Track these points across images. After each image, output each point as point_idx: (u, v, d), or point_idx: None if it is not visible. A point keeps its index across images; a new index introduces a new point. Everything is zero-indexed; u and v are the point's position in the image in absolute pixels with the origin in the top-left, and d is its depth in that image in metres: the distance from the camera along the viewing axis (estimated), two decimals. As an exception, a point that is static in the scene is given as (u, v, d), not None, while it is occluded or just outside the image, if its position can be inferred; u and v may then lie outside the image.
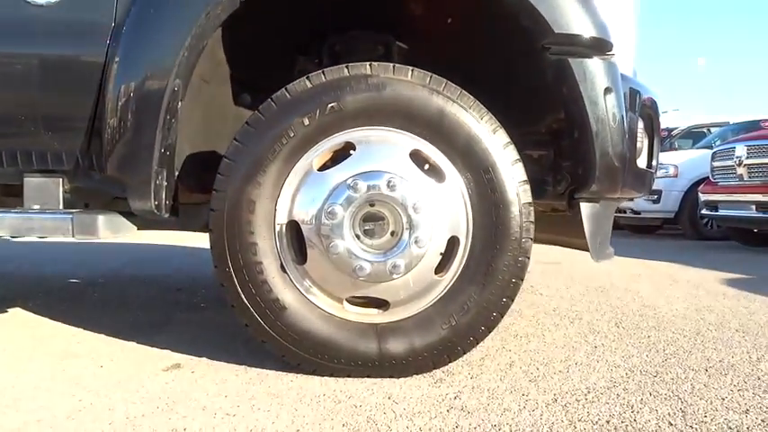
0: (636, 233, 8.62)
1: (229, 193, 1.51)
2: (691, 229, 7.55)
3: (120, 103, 1.51)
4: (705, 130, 10.02)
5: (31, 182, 1.66)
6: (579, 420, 1.28)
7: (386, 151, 1.53)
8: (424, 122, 1.53)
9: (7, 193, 1.82)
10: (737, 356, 1.81)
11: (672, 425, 1.25)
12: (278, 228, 1.53)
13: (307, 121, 1.51)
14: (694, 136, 10.00)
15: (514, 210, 1.54)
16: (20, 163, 1.64)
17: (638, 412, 1.33)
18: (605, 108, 1.59)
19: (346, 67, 1.54)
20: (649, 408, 1.35)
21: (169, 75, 1.50)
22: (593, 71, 1.58)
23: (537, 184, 2.02)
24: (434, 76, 1.55)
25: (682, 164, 7.59)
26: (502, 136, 1.56)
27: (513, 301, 1.57)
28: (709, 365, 1.71)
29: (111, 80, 1.51)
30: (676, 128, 10.98)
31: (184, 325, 2.18)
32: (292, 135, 1.51)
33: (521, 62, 1.82)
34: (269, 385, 1.49)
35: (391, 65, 1.55)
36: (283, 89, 1.53)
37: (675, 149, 9.11)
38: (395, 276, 1.48)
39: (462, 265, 1.55)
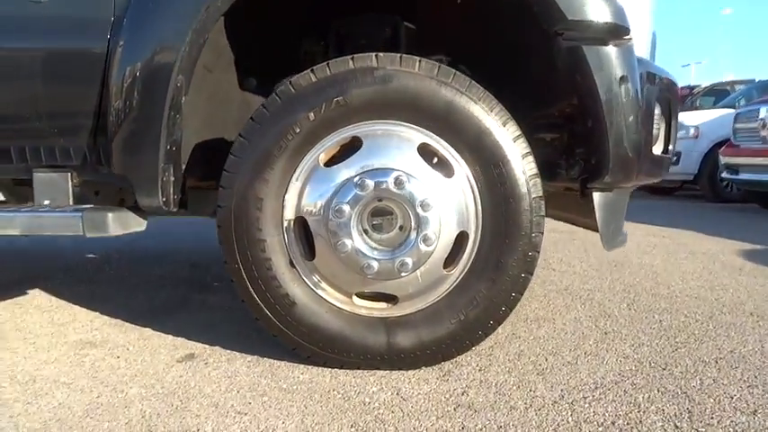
0: (654, 194, 8.51)
1: (236, 190, 1.51)
2: (710, 191, 7.43)
3: (122, 102, 1.50)
4: (728, 87, 9.73)
5: (40, 177, 1.67)
6: (585, 421, 1.29)
7: (393, 146, 1.51)
8: (432, 115, 1.50)
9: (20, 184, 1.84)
10: (749, 346, 1.80)
11: (678, 428, 1.26)
12: (286, 223, 1.53)
13: (312, 116, 1.48)
14: (717, 94, 9.72)
15: (525, 204, 1.52)
16: (29, 159, 1.65)
17: (644, 412, 1.33)
18: (620, 97, 1.54)
19: (352, 59, 1.50)
20: (656, 407, 1.36)
21: (171, 71, 1.48)
22: (608, 59, 1.52)
23: (550, 167, 1.99)
24: (443, 66, 1.50)
25: (703, 124, 7.41)
26: (512, 129, 1.52)
27: (522, 295, 1.56)
28: (719, 356, 1.70)
29: (113, 78, 1.50)
30: (698, 86, 10.67)
31: (199, 308, 2.21)
32: (298, 131, 1.49)
33: (533, 45, 1.76)
34: (280, 379, 1.52)
35: (398, 56, 1.50)
36: (288, 83, 1.50)
37: (697, 108, 8.88)
38: (403, 274, 1.48)
39: (471, 260, 1.55)
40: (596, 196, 1.71)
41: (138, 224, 1.67)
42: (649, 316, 2.13)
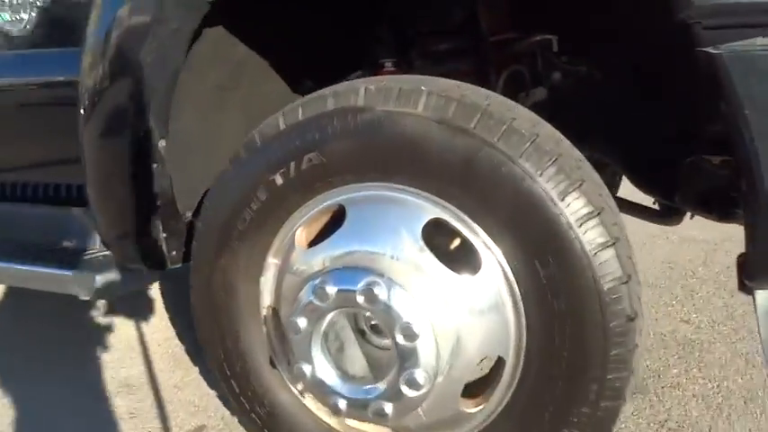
0: None
1: (205, 270, 1.19)
2: None
3: (91, 159, 1.26)
4: None
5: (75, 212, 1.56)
6: None
7: (388, 224, 1.01)
8: (445, 178, 0.96)
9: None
10: None
11: None
12: (264, 311, 1.17)
13: (280, 180, 1.06)
14: None
15: (595, 328, 0.91)
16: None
17: None
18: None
19: (333, 95, 1.02)
20: None
21: (125, 123, 1.18)
22: (763, 68, 0.79)
23: (720, 201, 1.31)
24: (465, 100, 0.94)
25: None
26: (577, 203, 0.90)
27: (590, 460, 0.99)
28: None
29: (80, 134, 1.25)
30: None
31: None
32: (264, 198, 1.08)
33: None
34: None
35: (397, 89, 0.97)
36: (254, 131, 1.10)
37: None
38: (380, 421, 1.02)
39: (508, 398, 1.01)
40: (759, 296, 0.99)
41: (134, 283, 1.46)
42: None
